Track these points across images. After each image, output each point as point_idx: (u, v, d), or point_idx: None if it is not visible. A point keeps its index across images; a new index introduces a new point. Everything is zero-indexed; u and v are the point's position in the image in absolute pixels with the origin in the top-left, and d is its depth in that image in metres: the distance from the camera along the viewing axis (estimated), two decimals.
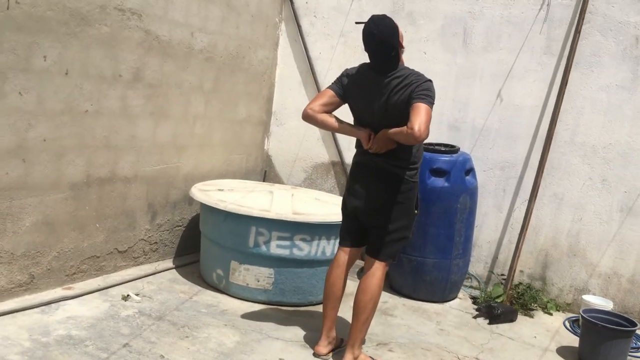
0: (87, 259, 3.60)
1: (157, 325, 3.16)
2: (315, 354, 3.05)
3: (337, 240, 3.70)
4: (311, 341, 3.21)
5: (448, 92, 4.59)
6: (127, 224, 3.86)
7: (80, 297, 3.37)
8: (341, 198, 4.59)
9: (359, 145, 3.06)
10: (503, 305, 3.99)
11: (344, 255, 3.10)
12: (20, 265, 3.18)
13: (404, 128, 2.65)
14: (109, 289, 3.55)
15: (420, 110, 2.64)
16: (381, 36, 2.77)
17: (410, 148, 2.89)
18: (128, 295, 3.48)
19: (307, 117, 2.92)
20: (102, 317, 3.16)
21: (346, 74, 2.99)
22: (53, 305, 3.21)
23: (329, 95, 2.97)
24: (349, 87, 2.95)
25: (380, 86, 2.83)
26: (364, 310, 2.93)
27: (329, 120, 2.94)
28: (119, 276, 3.77)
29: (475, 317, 3.94)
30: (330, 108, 2.96)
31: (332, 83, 3.02)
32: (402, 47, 2.88)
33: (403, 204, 2.92)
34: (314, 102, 2.95)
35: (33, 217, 3.20)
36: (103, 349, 2.81)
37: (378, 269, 2.96)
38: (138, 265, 4.01)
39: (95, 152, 3.50)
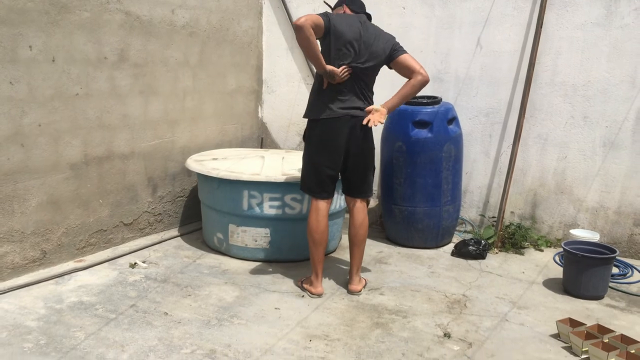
0: (95, 232, 3.85)
1: (162, 287, 3.41)
2: (315, 294, 3.38)
3: None
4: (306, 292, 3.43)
5: (429, 44, 4.68)
6: (130, 198, 4.09)
7: (91, 268, 3.63)
8: None
9: (320, 94, 3.28)
10: (477, 242, 4.17)
11: (326, 206, 3.40)
12: (32, 242, 3.44)
13: (412, 81, 3.28)
14: (118, 259, 3.81)
15: (413, 59, 3.33)
16: None
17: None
18: (135, 263, 3.74)
19: (301, 26, 2.97)
20: (111, 283, 3.42)
21: (331, 14, 3.22)
22: (65, 276, 3.48)
23: (319, 22, 3.09)
24: (336, 23, 3.16)
25: (369, 30, 3.28)
26: (364, 240, 3.51)
27: (313, 39, 3.09)
28: (127, 247, 4.02)
29: (452, 255, 4.19)
30: (315, 32, 3.09)
31: (319, 14, 3.12)
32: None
33: (372, 142, 3.45)
34: (308, 17, 3.02)
35: (38, 198, 3.44)
36: (112, 310, 3.07)
37: (365, 206, 3.50)
38: (144, 235, 4.26)
39: (90, 133, 3.71)
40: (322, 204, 3.39)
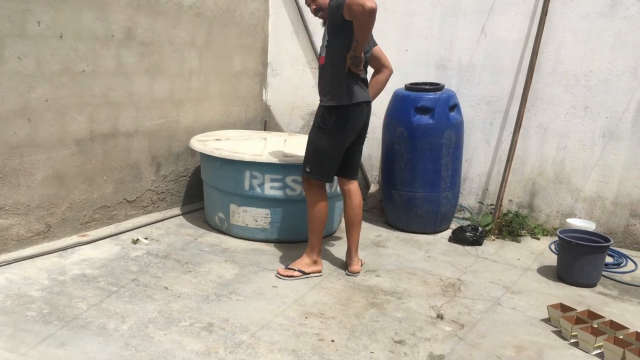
0: (99, 208, 3.92)
1: (163, 263, 3.49)
2: (319, 272, 3.49)
3: None
4: None
5: (433, 31, 4.70)
6: (133, 176, 4.15)
7: (94, 243, 3.71)
8: None
9: (347, 80, 3.28)
10: (474, 228, 4.22)
11: (326, 190, 3.49)
12: (37, 215, 3.52)
13: (382, 77, 3.64)
14: (120, 235, 3.88)
15: (382, 51, 3.59)
16: None
17: None
18: (137, 239, 3.81)
19: (375, 10, 3.01)
20: (114, 258, 3.50)
21: None
22: (69, 250, 3.56)
23: None
24: None
25: None
26: (361, 220, 3.60)
27: None
28: (130, 223, 4.10)
29: (449, 241, 4.24)
30: None
31: None
32: None
33: None
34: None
35: (43, 172, 3.51)
36: (113, 283, 3.15)
37: (358, 186, 3.59)
38: (147, 213, 4.33)
39: (95, 109, 3.77)
40: (325, 188, 3.49)
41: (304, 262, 3.47)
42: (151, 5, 4.02)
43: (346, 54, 3.20)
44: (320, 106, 3.37)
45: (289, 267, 3.46)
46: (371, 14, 3.02)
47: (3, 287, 2.99)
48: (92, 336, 2.59)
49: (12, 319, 2.68)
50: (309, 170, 3.40)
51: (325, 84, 3.34)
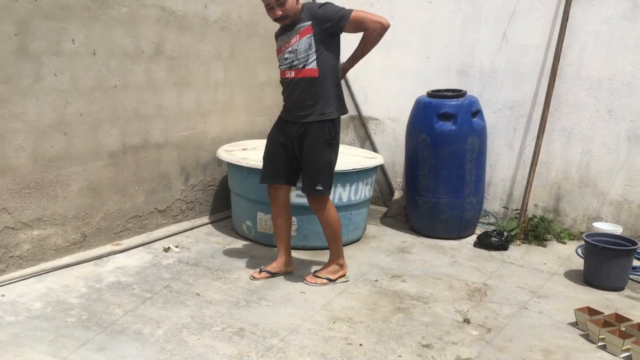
0: (131, 218, 4.05)
1: (194, 270, 3.58)
2: (343, 278, 3.53)
3: (352, 187, 4.05)
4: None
5: (455, 38, 4.75)
6: (164, 186, 4.28)
7: (127, 251, 3.83)
8: (358, 149, 4.89)
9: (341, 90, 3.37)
10: (500, 233, 4.24)
11: None
12: (73, 225, 3.65)
13: None
14: (152, 243, 4.00)
15: None
16: None
17: None
18: (169, 247, 3.92)
19: (388, 26, 3.15)
20: (146, 266, 3.61)
21: None
22: (104, 258, 3.68)
23: None
24: None
25: None
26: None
27: None
28: (161, 232, 4.21)
29: (474, 246, 4.26)
30: None
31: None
32: None
33: None
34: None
35: (79, 184, 3.64)
36: (147, 290, 3.26)
37: None
38: (177, 222, 4.45)
39: (127, 123, 3.90)
40: None
41: (330, 270, 3.51)
42: (179, 20, 4.15)
43: (337, 64, 3.25)
44: (322, 121, 3.24)
45: (316, 274, 3.51)
46: (383, 30, 3.11)
47: (43, 294, 3.12)
48: (129, 341, 2.69)
49: (53, 325, 2.80)
50: (321, 188, 3.31)
51: (320, 97, 3.21)
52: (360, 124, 5.28)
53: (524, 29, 4.47)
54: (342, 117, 5.32)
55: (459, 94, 4.34)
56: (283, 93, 3.40)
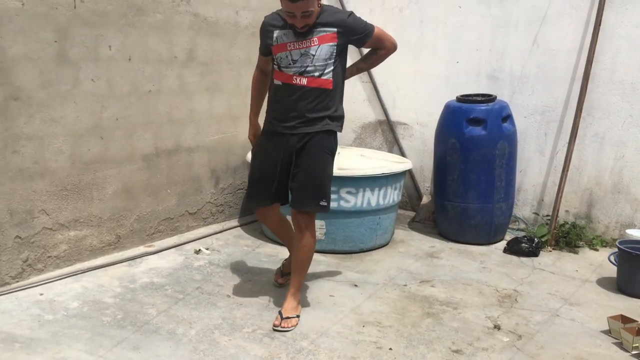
0: (163, 220, 4.13)
1: (225, 272, 3.64)
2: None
3: (381, 192, 4.07)
4: (359, 282, 3.59)
5: (484, 43, 4.73)
6: (195, 189, 4.35)
7: (160, 253, 3.91)
8: (386, 153, 4.90)
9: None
10: (530, 239, 4.20)
11: None
12: (108, 227, 3.74)
13: None
14: (183, 245, 4.07)
15: None
16: None
17: None
18: (199, 249, 3.99)
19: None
20: (178, 267, 3.68)
21: None
22: (137, 259, 3.76)
23: None
24: None
25: None
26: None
27: None
28: (192, 234, 4.28)
29: (504, 252, 4.22)
30: None
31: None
32: None
33: None
34: None
35: (114, 186, 3.74)
36: (179, 291, 3.32)
37: None
38: (207, 225, 4.52)
39: (160, 127, 3.98)
40: None
41: (296, 306, 3.05)
42: (211, 27, 4.23)
43: (344, 75, 3.06)
44: (326, 132, 2.99)
45: (285, 317, 2.95)
46: (393, 51, 3.12)
47: (80, 294, 3.21)
48: (163, 340, 2.75)
49: (90, 324, 2.88)
50: (325, 203, 3.01)
51: (328, 109, 2.97)
52: (388, 129, 5.29)
53: (555, 33, 4.43)
54: (370, 121, 5.42)
55: (488, 98, 4.32)
56: (279, 99, 3.01)
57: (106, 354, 2.61)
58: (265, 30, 3.01)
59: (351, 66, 3.20)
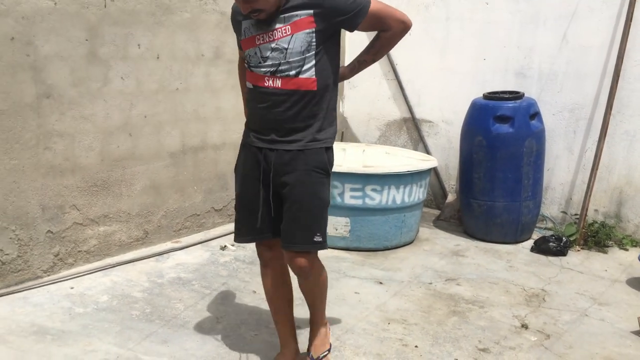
0: (190, 216, 4.18)
1: (250, 268, 3.67)
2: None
3: (406, 189, 4.05)
4: (384, 279, 3.58)
5: (512, 40, 4.67)
6: (220, 186, 4.39)
7: (186, 248, 3.96)
8: (411, 151, 4.87)
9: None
10: (558, 238, 4.14)
11: None
12: (136, 223, 3.80)
13: None
14: (209, 242, 4.12)
15: None
16: None
17: None
18: (225, 245, 4.03)
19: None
20: (205, 263, 3.72)
21: None
22: (164, 255, 3.82)
23: None
24: None
25: None
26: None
27: None
28: (217, 231, 4.33)
29: (531, 251, 4.16)
30: None
31: None
32: None
33: None
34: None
35: (142, 182, 3.79)
36: (206, 286, 3.36)
37: None
38: (232, 222, 4.54)
39: (187, 124, 4.03)
40: None
41: (324, 339, 2.62)
42: None
43: (338, 72, 2.35)
44: (318, 149, 2.31)
45: (321, 356, 2.56)
46: (406, 30, 2.32)
47: (109, 288, 3.27)
48: (190, 334, 2.79)
49: (119, 317, 2.93)
50: (320, 239, 2.36)
51: (315, 118, 2.28)
52: (413, 126, 5.26)
53: (585, 29, 4.35)
54: (395, 119, 5.40)
55: (516, 95, 4.27)
56: (252, 106, 2.38)
57: (135, 347, 2.66)
58: (235, 20, 2.40)
59: (352, 61, 2.48)
